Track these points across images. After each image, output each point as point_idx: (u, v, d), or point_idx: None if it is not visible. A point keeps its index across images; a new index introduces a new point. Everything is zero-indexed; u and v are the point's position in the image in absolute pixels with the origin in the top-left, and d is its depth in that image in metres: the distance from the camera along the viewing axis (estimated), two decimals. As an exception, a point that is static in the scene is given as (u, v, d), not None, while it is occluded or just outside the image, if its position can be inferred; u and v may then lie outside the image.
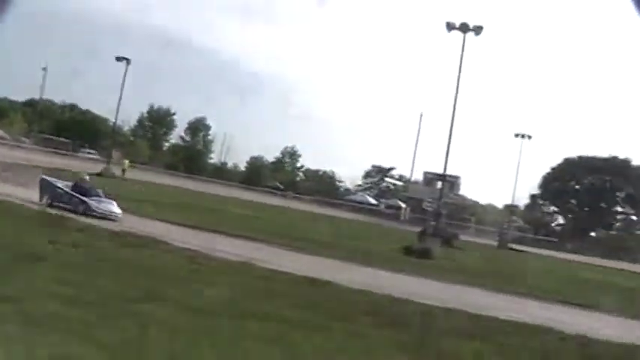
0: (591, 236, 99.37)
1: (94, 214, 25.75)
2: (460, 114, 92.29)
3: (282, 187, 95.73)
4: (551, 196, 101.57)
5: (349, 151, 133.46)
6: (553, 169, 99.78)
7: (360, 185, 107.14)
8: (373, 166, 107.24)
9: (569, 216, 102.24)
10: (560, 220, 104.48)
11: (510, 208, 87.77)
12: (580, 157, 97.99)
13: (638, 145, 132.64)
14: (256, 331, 11.11)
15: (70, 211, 25.84)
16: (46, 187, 28.10)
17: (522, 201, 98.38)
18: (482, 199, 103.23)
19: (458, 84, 56.32)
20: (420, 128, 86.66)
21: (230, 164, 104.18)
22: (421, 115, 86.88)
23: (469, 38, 55.11)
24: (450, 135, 56.44)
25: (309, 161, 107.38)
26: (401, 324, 13.77)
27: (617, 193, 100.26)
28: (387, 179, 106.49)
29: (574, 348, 14.47)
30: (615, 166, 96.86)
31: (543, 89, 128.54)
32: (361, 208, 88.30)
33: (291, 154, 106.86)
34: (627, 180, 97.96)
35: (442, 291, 21.06)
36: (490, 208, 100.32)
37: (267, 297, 14.44)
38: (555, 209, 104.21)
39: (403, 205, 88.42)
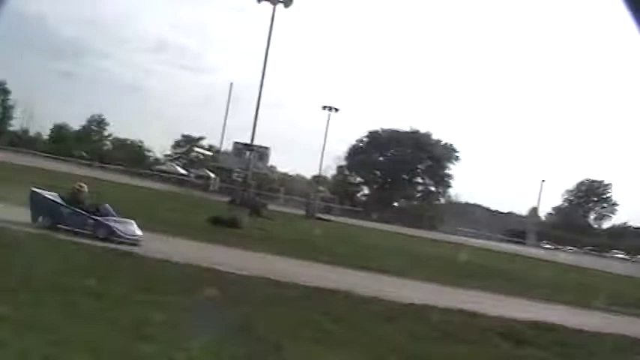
0: (394, 206, 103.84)
1: (120, 239, 20.15)
2: (270, 85, 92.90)
3: (87, 156, 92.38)
4: (356, 167, 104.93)
5: (159, 120, 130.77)
6: (358, 141, 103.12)
7: (169, 155, 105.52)
8: (183, 136, 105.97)
9: (374, 186, 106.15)
10: (366, 190, 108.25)
11: (318, 179, 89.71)
12: (384, 130, 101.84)
13: (437, 119, 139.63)
14: (47, 301, 10.55)
15: (81, 235, 19.99)
16: (40, 204, 21.33)
17: (330, 172, 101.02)
18: (292, 170, 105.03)
19: (266, 55, 56.58)
20: (229, 98, 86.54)
21: (32, 132, 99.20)
22: (231, 85, 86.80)
23: (279, 10, 55.44)
24: (258, 106, 56.68)
25: (117, 130, 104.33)
26: (201, 292, 13.57)
27: (418, 166, 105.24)
28: (196, 149, 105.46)
29: (375, 310, 14.93)
30: (416, 140, 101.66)
31: (350, 63, 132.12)
32: (170, 178, 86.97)
33: (99, 123, 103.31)
34: (427, 153, 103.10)
35: (247, 260, 21.09)
36: (299, 179, 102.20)
37: (56, 269, 13.71)
38: (361, 180, 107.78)
39: (213, 176, 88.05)
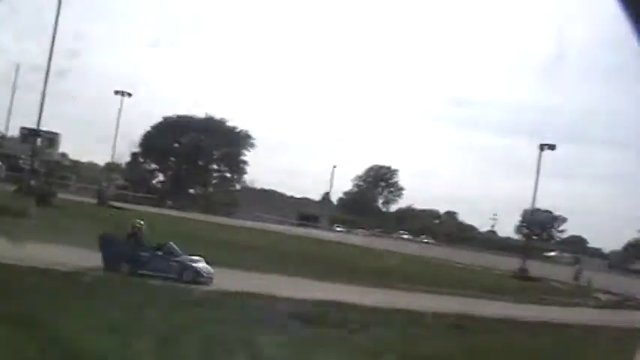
0: (190, 193, 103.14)
1: (202, 280, 19.97)
2: (61, 69, 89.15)
3: None
4: (151, 154, 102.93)
5: None
6: (153, 127, 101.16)
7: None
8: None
9: (169, 173, 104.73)
10: (161, 177, 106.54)
11: (111, 166, 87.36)
12: (179, 116, 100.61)
13: (232, 106, 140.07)
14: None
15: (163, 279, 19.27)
16: (116, 250, 20.22)
17: (124, 159, 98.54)
18: (84, 157, 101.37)
19: (54, 37, 54.47)
20: (15, 81, 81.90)
21: None
22: (18, 67, 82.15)
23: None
24: (44, 89, 54.44)
25: None
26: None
27: (214, 152, 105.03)
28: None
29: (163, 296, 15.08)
30: (211, 126, 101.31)
31: (144, 47, 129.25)
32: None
33: None
34: (223, 139, 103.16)
35: (30, 249, 20.36)
36: (91, 166, 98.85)
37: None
38: (156, 167, 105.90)
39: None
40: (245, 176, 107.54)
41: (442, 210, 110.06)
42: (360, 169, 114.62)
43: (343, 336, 14.58)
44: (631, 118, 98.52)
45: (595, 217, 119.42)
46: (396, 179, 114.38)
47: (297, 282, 23.00)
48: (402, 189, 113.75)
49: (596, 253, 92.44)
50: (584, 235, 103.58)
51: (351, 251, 48.37)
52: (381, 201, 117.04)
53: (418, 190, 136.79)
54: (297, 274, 25.06)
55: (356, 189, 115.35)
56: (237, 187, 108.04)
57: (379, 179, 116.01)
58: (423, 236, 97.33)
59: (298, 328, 14.36)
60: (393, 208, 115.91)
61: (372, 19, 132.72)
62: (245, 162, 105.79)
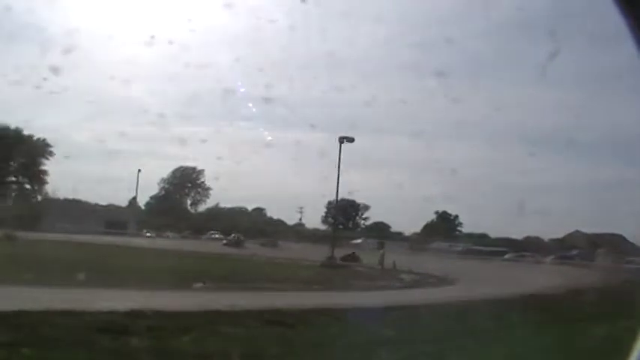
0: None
1: None
2: None
3: None
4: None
5: None
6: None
7: None
8: None
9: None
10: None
11: None
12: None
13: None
14: None
15: None
16: None
17: None
18: None
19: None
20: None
21: None
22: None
23: None
24: None
25: None
26: None
27: (11, 163, 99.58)
28: None
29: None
30: (6, 137, 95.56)
31: None
32: None
33: None
34: (20, 150, 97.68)
35: None
36: None
37: None
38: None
39: None
40: (46, 186, 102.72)
41: (250, 207, 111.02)
42: (166, 172, 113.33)
43: (152, 344, 14.24)
44: (419, 108, 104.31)
45: (395, 203, 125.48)
46: (202, 179, 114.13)
47: (100, 293, 21.82)
48: (209, 189, 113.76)
49: (399, 236, 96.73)
50: (387, 221, 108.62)
51: (158, 255, 47.51)
52: (189, 202, 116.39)
53: (225, 190, 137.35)
54: (100, 284, 23.69)
55: (163, 192, 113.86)
56: (38, 198, 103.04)
57: (186, 180, 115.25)
58: (232, 235, 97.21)
59: (108, 341, 13.90)
60: (202, 208, 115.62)
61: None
62: (44, 172, 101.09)
